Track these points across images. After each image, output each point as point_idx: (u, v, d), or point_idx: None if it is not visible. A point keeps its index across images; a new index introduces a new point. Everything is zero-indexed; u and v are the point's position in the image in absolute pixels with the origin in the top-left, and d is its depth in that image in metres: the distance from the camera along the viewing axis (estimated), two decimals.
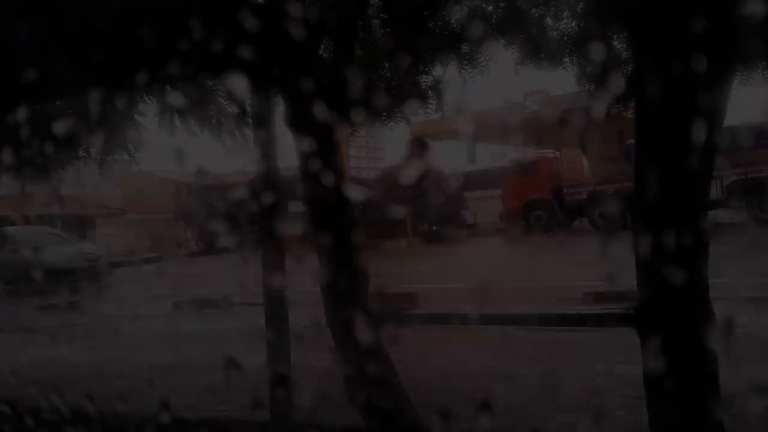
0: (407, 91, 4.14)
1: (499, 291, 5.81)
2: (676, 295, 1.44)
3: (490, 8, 3.76)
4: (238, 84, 1.54)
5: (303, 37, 1.48)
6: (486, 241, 16.44)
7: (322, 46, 3.36)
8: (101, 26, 1.51)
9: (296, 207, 2.09)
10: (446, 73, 4.13)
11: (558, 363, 4.32)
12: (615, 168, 15.38)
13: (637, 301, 1.66)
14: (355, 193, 1.92)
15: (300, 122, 1.69)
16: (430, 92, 4.17)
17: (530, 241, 15.29)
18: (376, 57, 3.98)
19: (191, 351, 5.25)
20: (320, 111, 1.62)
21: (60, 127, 2.88)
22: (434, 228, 17.01)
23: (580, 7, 3.79)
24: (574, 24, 3.84)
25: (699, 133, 1.33)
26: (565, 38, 3.87)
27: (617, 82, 3.64)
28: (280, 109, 1.86)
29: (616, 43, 3.71)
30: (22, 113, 1.86)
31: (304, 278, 2.45)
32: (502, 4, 3.71)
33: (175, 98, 4.51)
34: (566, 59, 4.00)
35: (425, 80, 4.15)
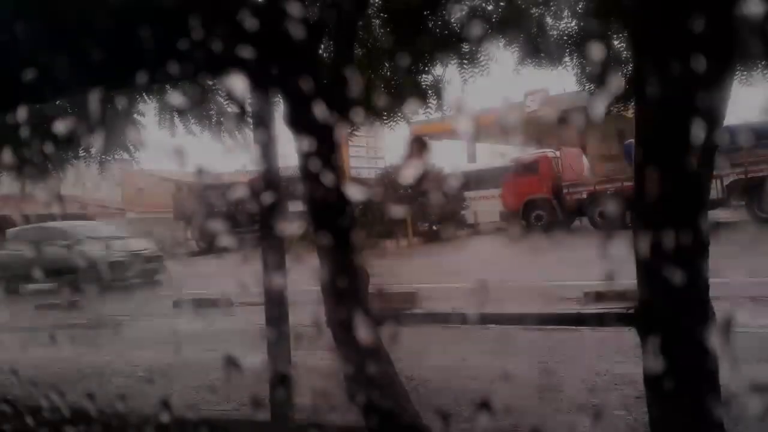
0: (407, 91, 4.14)
1: (498, 290, 5.81)
2: (676, 294, 1.44)
3: (490, 7, 3.76)
4: (238, 84, 1.54)
5: (303, 37, 1.48)
6: (486, 241, 16.45)
7: (322, 46, 3.36)
8: (101, 26, 1.51)
9: (296, 207, 2.09)
10: (446, 72, 4.13)
11: (558, 362, 4.32)
12: (615, 167, 15.40)
13: (637, 301, 1.66)
14: (355, 193, 1.92)
15: (300, 122, 1.69)
16: (430, 92, 4.17)
17: (530, 240, 15.29)
18: (376, 57, 3.98)
19: (191, 350, 5.25)
20: (320, 111, 1.63)
21: (60, 127, 2.88)
22: (434, 227, 17.03)
23: (580, 6, 3.79)
24: (574, 23, 3.84)
25: (699, 132, 1.33)
26: (565, 38, 3.87)
27: (617, 82, 3.64)
28: (280, 109, 1.86)
29: (616, 43, 3.71)
30: (22, 113, 1.86)
31: (305, 277, 2.45)
32: (502, 4, 3.71)
33: (175, 98, 4.52)
34: (566, 59, 4.00)
35: (425, 80, 4.15)
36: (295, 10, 1.43)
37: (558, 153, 17.18)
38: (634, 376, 3.64)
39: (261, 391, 2.41)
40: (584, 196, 15.81)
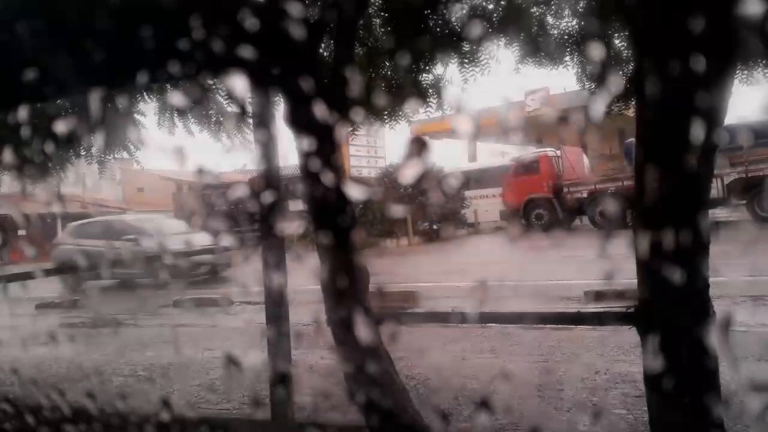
0: (407, 91, 4.14)
1: (498, 289, 5.81)
2: (676, 294, 1.45)
3: (491, 7, 3.75)
4: (239, 84, 1.54)
5: (303, 37, 1.48)
6: (486, 240, 16.46)
7: (323, 46, 3.37)
8: (102, 25, 1.51)
9: (296, 206, 2.09)
10: (446, 72, 4.13)
11: (558, 361, 4.33)
12: (615, 167, 15.41)
13: (637, 300, 1.67)
14: (355, 193, 1.92)
15: (300, 122, 1.69)
16: (430, 91, 4.16)
17: (530, 239, 15.30)
18: (377, 56, 3.98)
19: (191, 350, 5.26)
20: (321, 110, 1.63)
21: (61, 127, 2.88)
22: (434, 227, 17.04)
23: (581, 5, 3.79)
24: (574, 23, 3.84)
25: (699, 132, 1.33)
26: (566, 37, 3.87)
27: (618, 81, 3.64)
28: (280, 108, 1.86)
29: (616, 42, 3.71)
30: (22, 113, 1.86)
31: (305, 277, 2.46)
32: (502, 3, 3.71)
33: (176, 98, 4.52)
34: (567, 58, 4.00)
35: (425, 79, 4.15)
36: (295, 9, 1.43)
37: (558, 152, 17.20)
38: (633, 375, 3.65)
39: (261, 390, 2.41)
40: (584, 195, 15.83)
